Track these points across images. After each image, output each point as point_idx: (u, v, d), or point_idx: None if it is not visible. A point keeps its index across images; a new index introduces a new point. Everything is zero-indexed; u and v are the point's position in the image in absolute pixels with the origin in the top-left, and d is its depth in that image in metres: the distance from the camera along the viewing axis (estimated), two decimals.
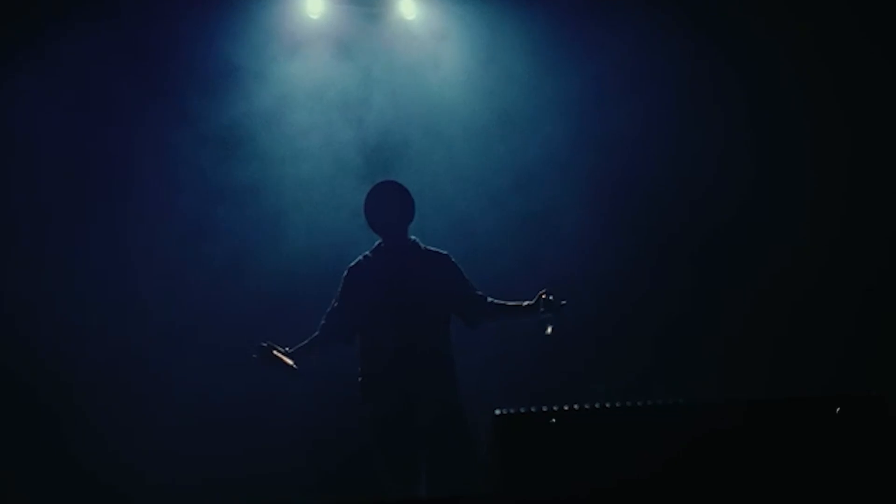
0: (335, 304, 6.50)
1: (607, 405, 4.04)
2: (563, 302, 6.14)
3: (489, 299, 6.46)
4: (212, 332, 8.05)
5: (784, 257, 8.22)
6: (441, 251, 6.54)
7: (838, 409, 4.21)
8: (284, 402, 8.04)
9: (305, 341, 6.45)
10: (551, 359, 7.79)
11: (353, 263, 6.54)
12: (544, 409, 4.02)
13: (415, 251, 6.49)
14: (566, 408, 4.01)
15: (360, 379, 6.40)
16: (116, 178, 8.37)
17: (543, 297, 6.14)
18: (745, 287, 8.25)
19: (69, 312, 8.06)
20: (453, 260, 6.54)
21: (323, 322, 6.52)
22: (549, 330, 6.06)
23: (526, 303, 6.28)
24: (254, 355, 6.26)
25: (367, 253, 6.55)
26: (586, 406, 4.04)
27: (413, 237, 6.52)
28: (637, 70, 8.44)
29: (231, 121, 8.39)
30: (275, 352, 6.22)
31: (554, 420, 4.04)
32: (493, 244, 8.02)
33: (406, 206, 6.47)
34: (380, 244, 6.53)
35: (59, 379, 7.97)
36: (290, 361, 6.21)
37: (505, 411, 4.02)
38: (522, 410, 4.01)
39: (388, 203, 6.48)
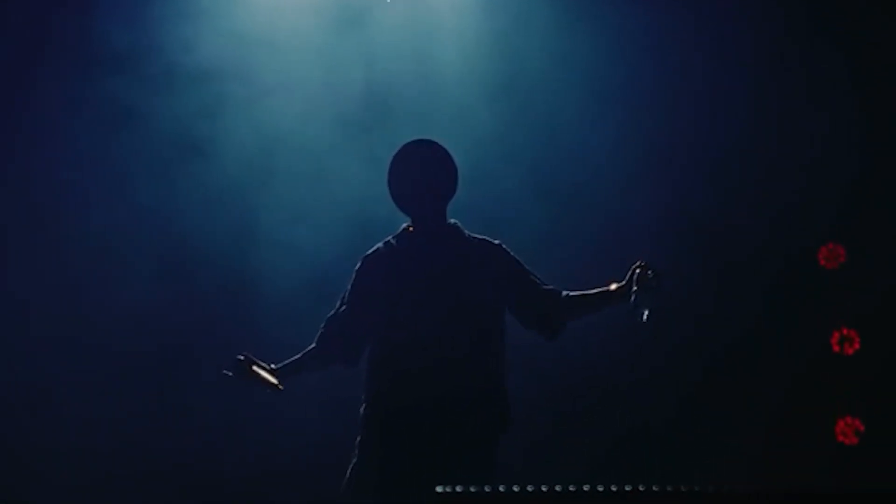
0: (341, 308, 5.73)
1: (584, 489, 3.88)
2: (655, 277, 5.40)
3: (564, 293, 5.69)
4: (153, 346, 7.60)
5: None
6: (491, 240, 5.73)
7: None
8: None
9: (296, 356, 5.78)
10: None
11: (369, 252, 5.74)
12: (498, 489, 3.95)
13: (456, 238, 5.68)
14: (526, 489, 3.91)
15: (363, 406, 5.61)
16: (23, 133, 7.72)
17: (639, 271, 5.40)
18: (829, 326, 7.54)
19: None
20: (506, 249, 5.73)
21: (322, 331, 5.76)
22: (646, 315, 5.33)
23: (615, 285, 5.53)
24: (226, 371, 5.69)
25: (389, 238, 5.75)
26: (551, 489, 3.89)
27: (454, 220, 5.71)
28: (703, 11, 7.64)
29: (175, 53, 7.60)
30: (254, 367, 5.67)
31: None
32: (521, 236, 6.92)
33: (447, 177, 5.68)
34: (407, 227, 5.72)
35: None
36: (273, 380, 5.67)
37: (448, 489, 3.93)
38: (471, 490, 3.95)
39: (422, 171, 5.66)
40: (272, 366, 5.71)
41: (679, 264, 7.32)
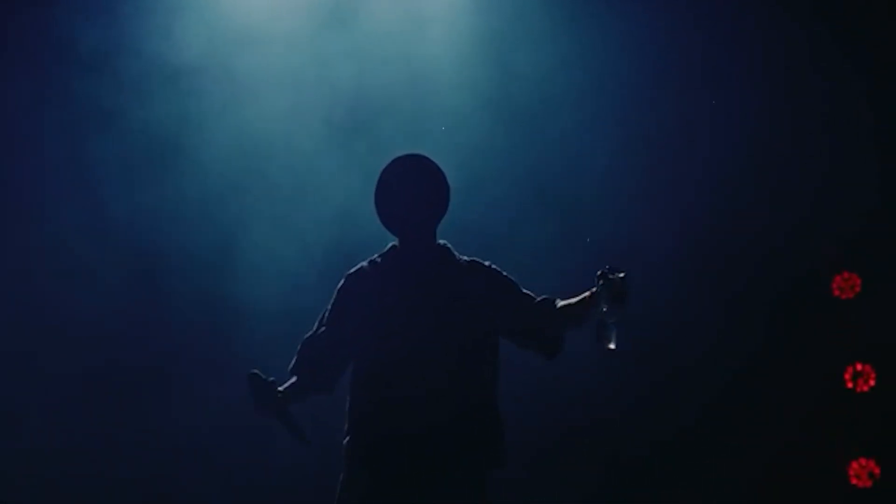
0: (320, 329, 5.53)
1: None
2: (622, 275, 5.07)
3: (557, 301, 5.51)
4: (121, 364, 7.50)
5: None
6: (482, 261, 5.60)
7: None
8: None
9: (290, 381, 5.52)
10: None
11: (352, 270, 5.57)
12: None
13: (445, 257, 5.55)
14: None
15: (346, 438, 5.42)
16: None
17: (602, 280, 5.07)
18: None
19: None
20: (498, 269, 5.57)
21: (298, 354, 5.55)
22: (613, 342, 4.94)
23: (591, 292, 5.27)
24: (265, 378, 5.29)
25: (374, 257, 5.57)
26: None
27: (443, 241, 5.57)
28: (702, 10, 7.54)
29: (151, 52, 7.50)
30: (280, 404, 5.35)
31: None
32: (517, 246, 7.20)
33: (437, 194, 5.53)
34: (394, 247, 5.55)
35: None
36: (303, 433, 5.31)
37: None
38: None
39: (411, 187, 5.50)
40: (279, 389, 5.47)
41: (680, 271, 7.48)
